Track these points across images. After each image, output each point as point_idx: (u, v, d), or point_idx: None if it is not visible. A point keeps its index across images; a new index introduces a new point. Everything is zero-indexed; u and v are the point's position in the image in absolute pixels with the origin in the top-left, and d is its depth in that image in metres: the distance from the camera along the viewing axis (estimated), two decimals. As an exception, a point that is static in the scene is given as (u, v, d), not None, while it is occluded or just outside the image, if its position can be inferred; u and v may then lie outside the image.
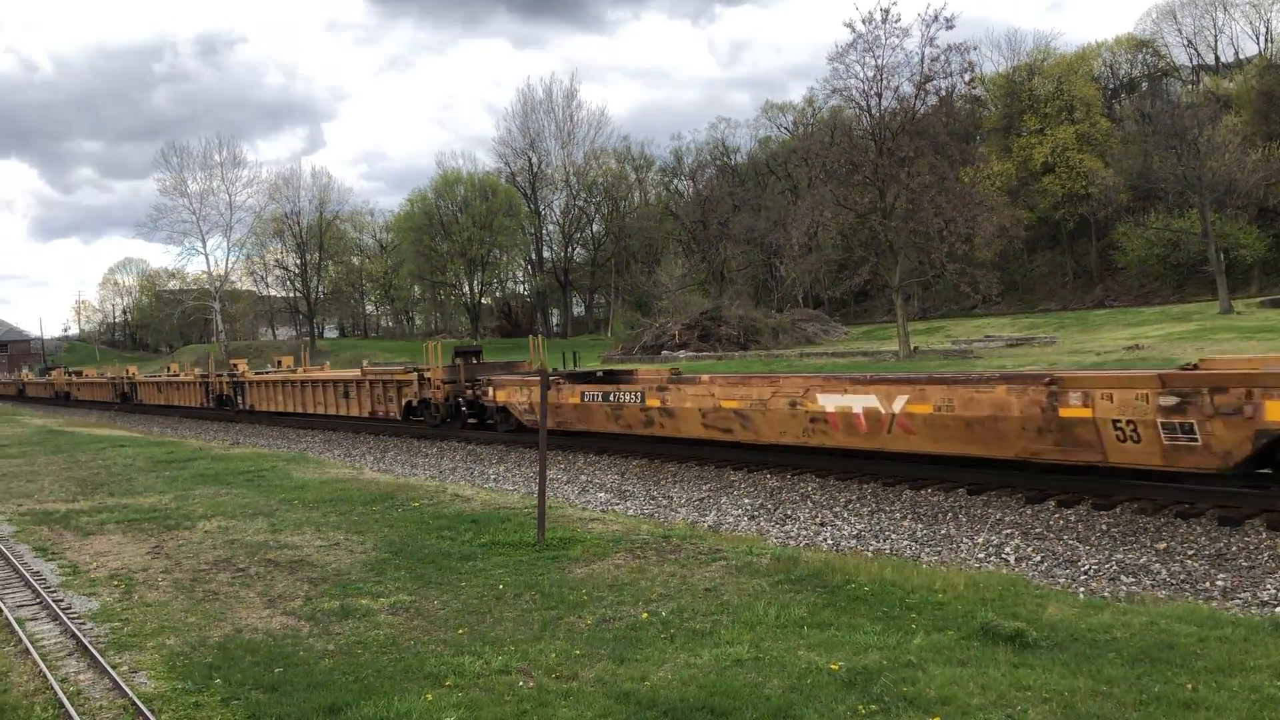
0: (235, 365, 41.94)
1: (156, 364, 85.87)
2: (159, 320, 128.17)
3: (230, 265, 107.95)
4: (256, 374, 40.06)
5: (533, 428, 20.91)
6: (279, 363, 42.50)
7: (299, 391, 34.00)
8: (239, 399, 39.46)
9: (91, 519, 15.68)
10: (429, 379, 26.52)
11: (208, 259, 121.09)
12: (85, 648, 8.61)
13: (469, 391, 25.01)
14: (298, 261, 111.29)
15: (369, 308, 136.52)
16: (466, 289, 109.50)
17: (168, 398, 48.11)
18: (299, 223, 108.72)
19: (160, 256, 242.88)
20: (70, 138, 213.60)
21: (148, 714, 6.89)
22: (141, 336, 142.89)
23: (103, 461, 24.80)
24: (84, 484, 20.55)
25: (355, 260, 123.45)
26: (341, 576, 10.88)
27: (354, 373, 32.50)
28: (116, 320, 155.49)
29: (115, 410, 54.38)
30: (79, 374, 70.90)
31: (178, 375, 51.35)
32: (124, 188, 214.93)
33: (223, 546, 12.89)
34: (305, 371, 38.07)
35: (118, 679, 7.68)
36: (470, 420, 26.14)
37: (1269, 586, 9.56)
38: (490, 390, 23.39)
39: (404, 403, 27.64)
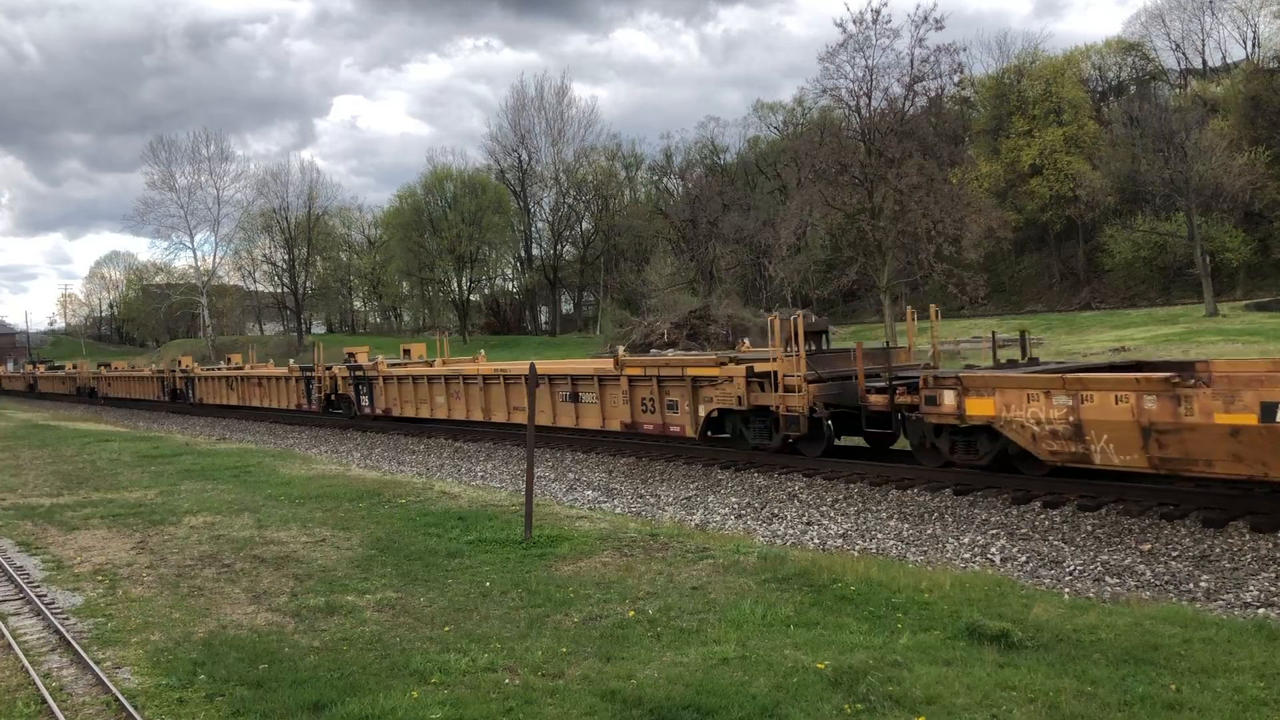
0: (353, 354, 32.13)
1: (143, 359, 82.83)
2: (145, 315, 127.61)
3: (218, 260, 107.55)
4: (393, 365, 29.94)
5: (1077, 465, 12.67)
6: (406, 352, 32.47)
7: (477, 391, 24.13)
8: (363, 400, 29.60)
9: (76, 514, 15.61)
10: (771, 375, 16.59)
11: (195, 253, 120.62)
12: (68, 643, 8.56)
13: (872, 397, 15.36)
14: (285, 257, 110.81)
15: (357, 304, 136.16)
16: (455, 286, 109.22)
17: (243, 396, 38.29)
18: (287, 218, 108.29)
19: (147, 250, 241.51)
20: (58, 130, 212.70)
21: (131, 710, 6.86)
22: (128, 331, 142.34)
23: (88, 456, 24.68)
24: (68, 478, 20.44)
25: (343, 256, 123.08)
26: (327, 573, 10.85)
27: (594, 365, 22.51)
28: (103, 314, 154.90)
29: (164, 412, 45.60)
30: (107, 366, 60.82)
31: (241, 368, 41.83)
32: (112, 181, 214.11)
33: (208, 542, 12.84)
34: (444, 363, 29.44)
35: (101, 674, 7.65)
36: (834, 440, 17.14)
37: (1252, 588, 9.61)
38: (954, 397, 13.82)
39: (706, 412, 17.73)
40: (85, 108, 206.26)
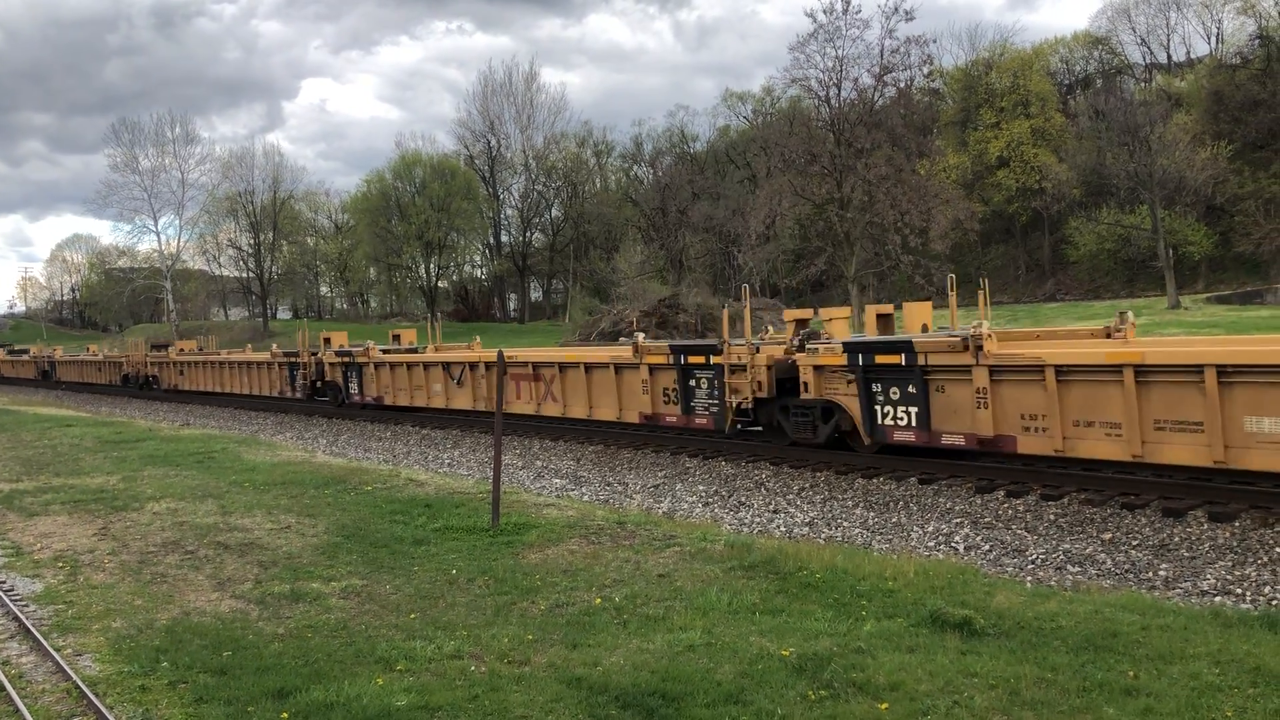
0: (802, 322, 18.61)
1: (107, 343, 79.75)
2: (108, 299, 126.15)
3: (182, 244, 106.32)
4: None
5: None
6: (801, 320, 18.78)
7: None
8: (897, 415, 14.61)
9: (36, 499, 15.40)
10: None
11: (159, 237, 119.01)
12: (28, 630, 8.46)
13: None
14: (251, 241, 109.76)
15: (323, 289, 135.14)
16: (423, 272, 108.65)
17: (487, 393, 22.66)
18: (253, 202, 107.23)
19: (110, 234, 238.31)
20: (19, 110, 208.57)
21: (92, 697, 6.79)
22: (90, 315, 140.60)
23: (48, 441, 24.36)
24: (29, 464, 20.17)
25: (310, 241, 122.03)
26: (292, 560, 10.79)
27: None
28: (64, 298, 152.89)
29: (306, 416, 30.38)
30: (163, 347, 46.99)
31: (416, 350, 27.97)
32: (74, 162, 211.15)
33: (171, 528, 12.73)
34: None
35: (61, 662, 7.57)
36: None
37: (1209, 576, 9.78)
38: None
39: None
40: (47, 87, 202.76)
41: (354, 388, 28.48)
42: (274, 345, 35.28)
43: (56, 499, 15.32)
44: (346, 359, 28.78)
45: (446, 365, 24.47)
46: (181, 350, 43.89)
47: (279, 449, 22.01)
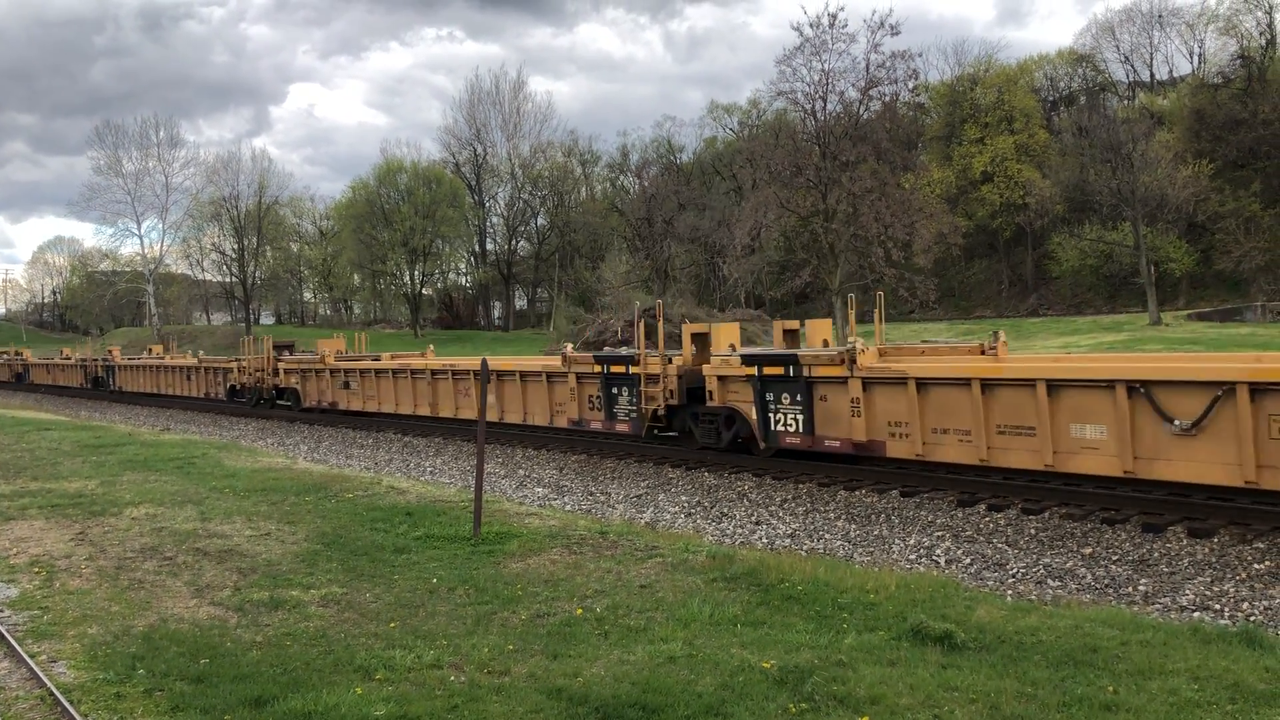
0: None
1: (90, 347, 78.67)
2: (89, 302, 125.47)
3: (165, 248, 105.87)
4: None
5: None
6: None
7: None
8: None
9: (12, 504, 15.25)
10: None
11: (142, 241, 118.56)
12: (2, 636, 8.37)
13: None
14: (235, 246, 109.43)
15: (307, 295, 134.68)
16: (407, 279, 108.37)
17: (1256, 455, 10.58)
18: (237, 206, 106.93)
19: (93, 237, 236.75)
20: (2, 110, 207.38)
21: (66, 705, 6.72)
22: (70, 318, 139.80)
23: (26, 445, 24.14)
24: (5, 467, 19.99)
25: (294, 247, 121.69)
26: (272, 567, 10.71)
27: None
28: (45, 301, 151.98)
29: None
30: (287, 348, 36.83)
31: (964, 353, 16.52)
32: (58, 164, 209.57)
33: (150, 534, 12.62)
34: None
35: (35, 668, 7.48)
36: None
37: (1188, 592, 9.82)
38: None
39: None
40: (32, 87, 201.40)
41: (789, 422, 15.94)
42: (567, 346, 23.71)
43: (33, 503, 15.18)
44: (778, 368, 15.94)
45: (1153, 391, 11.59)
46: (339, 353, 31.77)
47: (259, 455, 21.88)
